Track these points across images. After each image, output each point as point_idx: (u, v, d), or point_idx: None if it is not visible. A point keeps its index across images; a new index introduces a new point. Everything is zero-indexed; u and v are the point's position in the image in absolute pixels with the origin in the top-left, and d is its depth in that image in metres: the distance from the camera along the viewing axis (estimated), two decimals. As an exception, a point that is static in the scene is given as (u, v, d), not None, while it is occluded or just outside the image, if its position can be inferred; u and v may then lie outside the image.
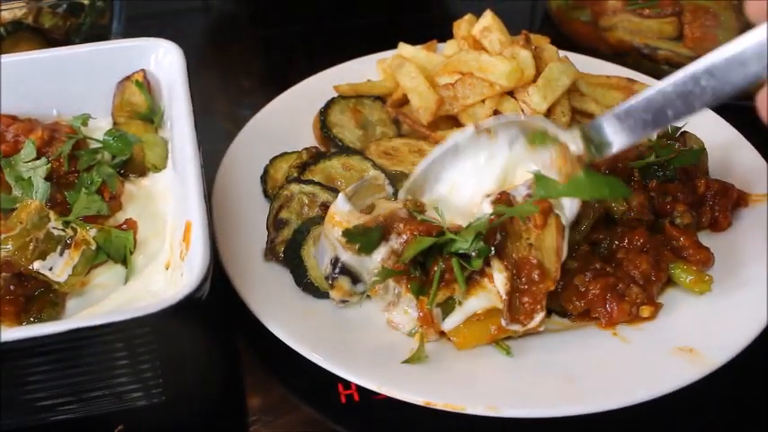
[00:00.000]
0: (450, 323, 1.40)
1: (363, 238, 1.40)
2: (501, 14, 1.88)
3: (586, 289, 1.43)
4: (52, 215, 1.41)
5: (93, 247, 1.42)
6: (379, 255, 1.41)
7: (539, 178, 1.42)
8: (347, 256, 1.41)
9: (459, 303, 1.40)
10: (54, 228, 1.40)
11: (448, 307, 1.40)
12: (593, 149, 1.35)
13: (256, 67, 2.33)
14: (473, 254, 1.37)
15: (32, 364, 1.23)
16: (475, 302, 1.40)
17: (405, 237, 1.40)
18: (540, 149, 1.44)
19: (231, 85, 2.26)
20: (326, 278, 1.43)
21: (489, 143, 1.48)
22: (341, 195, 1.45)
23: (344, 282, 1.42)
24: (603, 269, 1.45)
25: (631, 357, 1.38)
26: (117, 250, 1.46)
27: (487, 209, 1.42)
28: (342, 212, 1.43)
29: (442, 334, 1.41)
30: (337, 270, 1.41)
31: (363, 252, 1.41)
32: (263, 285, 1.48)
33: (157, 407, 1.36)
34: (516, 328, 1.37)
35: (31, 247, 1.37)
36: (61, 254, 1.39)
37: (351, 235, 1.40)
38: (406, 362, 1.36)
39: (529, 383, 1.33)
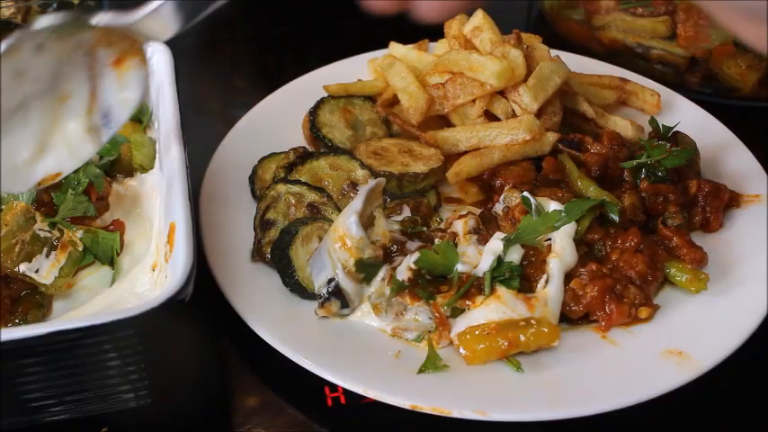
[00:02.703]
0: (456, 327, 1.38)
1: (371, 270, 1.43)
2: (496, 13, 1.87)
3: (584, 292, 1.41)
4: (38, 216, 1.39)
5: (81, 248, 1.41)
6: (378, 279, 1.43)
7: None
8: (346, 282, 1.41)
9: (468, 308, 1.39)
10: (40, 229, 1.38)
11: (455, 312, 1.40)
12: None
13: (248, 67, 2.32)
14: (506, 275, 1.41)
15: (17, 366, 1.22)
16: (484, 312, 1.37)
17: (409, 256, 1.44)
18: None
19: (223, 85, 2.25)
20: (318, 295, 1.43)
21: None
22: (353, 218, 1.43)
23: (334, 305, 1.42)
24: (600, 270, 1.43)
25: (620, 360, 1.36)
26: (104, 252, 1.45)
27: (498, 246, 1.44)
28: (353, 238, 1.42)
29: (452, 343, 1.39)
30: (331, 291, 1.41)
31: (365, 282, 1.43)
32: (250, 287, 1.47)
33: (144, 409, 1.35)
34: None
35: (17, 250, 1.36)
36: (48, 255, 1.38)
37: (362, 267, 1.42)
38: (420, 371, 1.34)
39: (517, 387, 1.31)
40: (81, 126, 1.34)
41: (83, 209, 1.48)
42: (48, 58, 1.26)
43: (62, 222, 1.44)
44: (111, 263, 1.45)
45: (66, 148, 1.34)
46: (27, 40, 1.22)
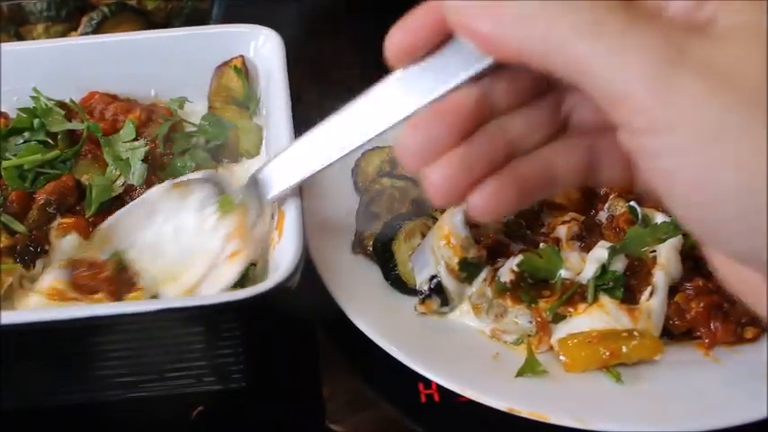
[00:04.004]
0: (557, 333, 1.37)
1: (473, 270, 1.43)
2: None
3: (689, 307, 1.38)
4: None
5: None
6: (480, 279, 1.43)
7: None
8: (448, 280, 1.41)
9: (570, 315, 1.38)
10: None
11: (556, 318, 1.38)
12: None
13: (349, 60, 2.32)
14: (610, 284, 1.38)
15: (117, 341, 1.25)
16: (587, 320, 1.35)
17: (513, 259, 1.42)
18: (226, 218, 1.38)
19: (322, 76, 2.25)
20: (418, 291, 1.43)
21: (181, 201, 1.40)
22: (460, 217, 1.43)
23: (435, 302, 1.42)
24: (706, 286, 1.39)
25: (723, 380, 1.32)
26: None
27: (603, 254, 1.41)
28: (459, 237, 1.42)
29: (551, 348, 1.37)
30: (432, 288, 1.41)
31: (467, 282, 1.43)
32: (350, 279, 1.47)
33: (236, 392, 1.37)
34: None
35: None
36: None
37: (465, 266, 1.42)
38: (518, 374, 1.33)
39: (616, 398, 1.30)
40: None
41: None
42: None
43: None
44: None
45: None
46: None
